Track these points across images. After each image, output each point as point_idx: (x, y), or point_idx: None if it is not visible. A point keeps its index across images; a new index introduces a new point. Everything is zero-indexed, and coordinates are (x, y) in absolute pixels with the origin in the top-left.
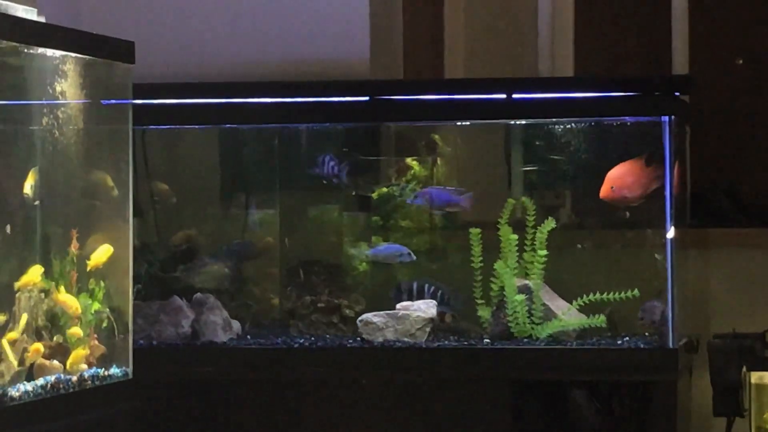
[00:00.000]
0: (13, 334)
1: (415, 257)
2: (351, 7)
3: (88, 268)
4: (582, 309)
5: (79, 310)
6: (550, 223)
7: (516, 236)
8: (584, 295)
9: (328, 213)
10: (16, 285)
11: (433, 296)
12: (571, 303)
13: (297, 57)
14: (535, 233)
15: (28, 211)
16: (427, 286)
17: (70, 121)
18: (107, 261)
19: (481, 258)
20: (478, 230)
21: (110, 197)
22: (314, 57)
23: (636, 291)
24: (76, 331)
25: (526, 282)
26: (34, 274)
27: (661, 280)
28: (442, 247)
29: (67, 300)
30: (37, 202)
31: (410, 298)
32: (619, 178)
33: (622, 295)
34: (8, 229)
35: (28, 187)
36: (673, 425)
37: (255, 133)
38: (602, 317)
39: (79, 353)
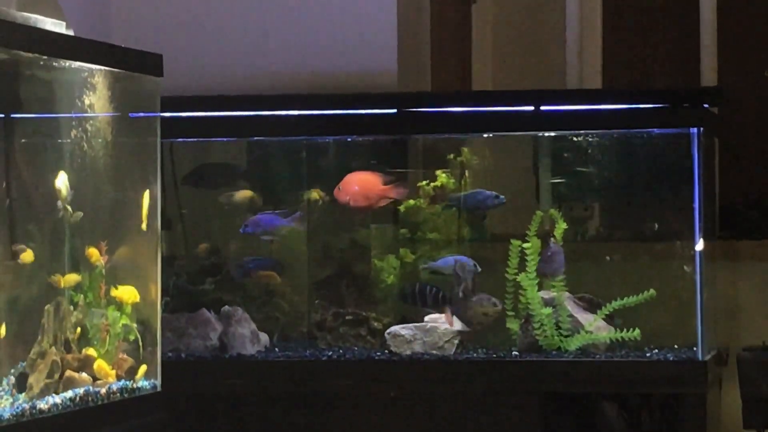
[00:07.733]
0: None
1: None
2: (379, 20)
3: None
4: (608, 320)
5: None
6: (561, 225)
7: (522, 244)
8: (607, 303)
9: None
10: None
11: (434, 297)
12: (595, 313)
13: (325, 70)
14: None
15: (57, 223)
16: (428, 287)
17: (99, 134)
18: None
19: (515, 270)
20: (519, 242)
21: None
22: (342, 70)
23: (652, 291)
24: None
25: (554, 294)
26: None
27: (690, 292)
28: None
29: (125, 293)
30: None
31: (414, 301)
32: (348, 184)
33: (640, 297)
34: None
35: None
36: None
37: (283, 146)
38: (637, 330)
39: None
